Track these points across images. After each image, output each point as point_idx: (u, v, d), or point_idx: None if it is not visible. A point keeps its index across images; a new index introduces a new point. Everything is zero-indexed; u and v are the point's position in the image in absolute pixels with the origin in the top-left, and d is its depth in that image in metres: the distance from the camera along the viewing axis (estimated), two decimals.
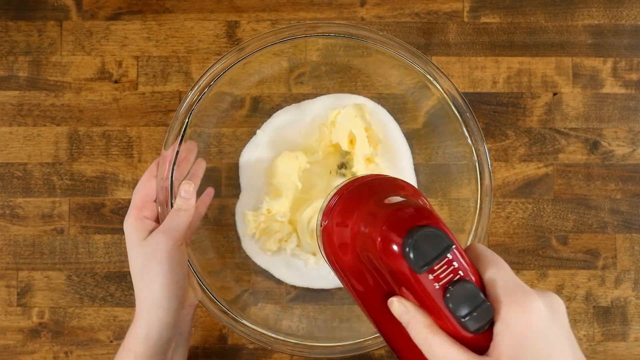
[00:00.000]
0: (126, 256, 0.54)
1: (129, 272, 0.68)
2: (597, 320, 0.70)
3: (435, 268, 0.36)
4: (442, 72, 0.58)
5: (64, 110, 0.71)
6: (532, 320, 0.35)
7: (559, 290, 0.70)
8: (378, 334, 0.56)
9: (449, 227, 0.38)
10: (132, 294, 0.69)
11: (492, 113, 0.71)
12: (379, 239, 0.37)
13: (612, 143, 0.71)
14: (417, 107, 0.65)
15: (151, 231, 0.53)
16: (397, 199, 0.41)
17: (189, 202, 0.54)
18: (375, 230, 0.38)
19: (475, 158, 0.59)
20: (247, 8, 0.71)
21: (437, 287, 0.36)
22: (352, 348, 0.57)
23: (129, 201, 0.57)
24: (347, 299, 0.65)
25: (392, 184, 0.44)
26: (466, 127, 0.58)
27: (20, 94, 0.71)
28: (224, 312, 0.57)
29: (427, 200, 0.43)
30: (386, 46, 0.58)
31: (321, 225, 0.44)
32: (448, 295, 0.36)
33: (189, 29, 0.71)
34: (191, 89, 0.57)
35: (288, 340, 0.57)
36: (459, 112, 0.58)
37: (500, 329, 0.36)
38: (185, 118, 0.57)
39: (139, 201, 0.56)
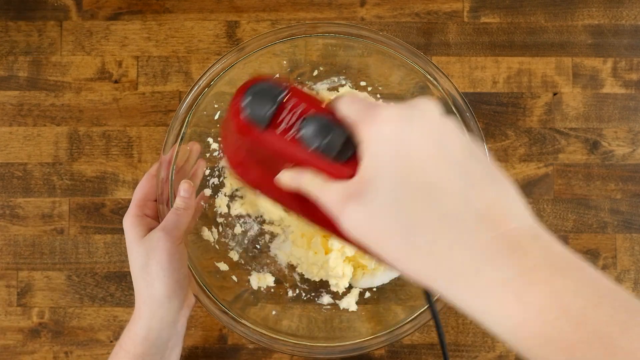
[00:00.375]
0: (126, 256, 0.55)
1: (129, 272, 0.68)
2: None
3: (280, 120, 0.36)
4: (442, 72, 0.58)
5: (64, 110, 0.71)
6: (385, 131, 0.32)
7: None
8: (378, 334, 0.56)
9: None
10: (132, 294, 0.68)
11: (492, 113, 0.71)
12: (230, 116, 0.37)
13: (612, 143, 0.71)
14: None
15: (151, 229, 0.54)
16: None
17: (188, 201, 0.54)
18: (228, 112, 0.38)
19: None
20: (247, 8, 0.71)
21: (292, 135, 0.35)
22: (352, 348, 0.57)
23: (129, 201, 0.57)
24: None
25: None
26: (466, 127, 0.58)
27: (20, 94, 0.71)
28: (224, 312, 0.57)
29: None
30: (386, 46, 0.58)
31: (220, 144, 0.44)
32: (300, 134, 0.35)
33: (189, 29, 0.71)
34: (191, 89, 0.57)
35: (288, 340, 0.57)
36: (458, 112, 0.58)
37: (362, 151, 0.34)
38: (185, 118, 0.57)
39: (140, 199, 0.56)
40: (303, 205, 0.38)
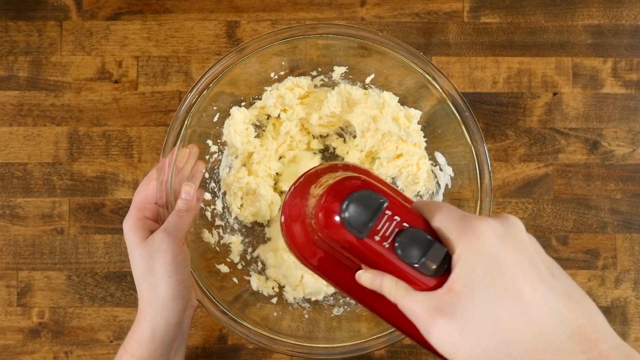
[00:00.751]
0: (126, 256, 0.55)
1: (129, 272, 0.68)
2: None
3: (378, 228, 0.36)
4: (441, 73, 0.58)
5: (64, 110, 0.71)
6: (480, 245, 0.33)
7: None
8: (378, 335, 0.56)
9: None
10: (132, 294, 0.69)
11: (492, 113, 0.71)
12: (320, 216, 0.37)
13: (612, 143, 0.71)
14: (416, 107, 0.65)
15: (152, 231, 0.54)
16: (337, 176, 0.41)
17: (189, 203, 0.55)
18: (316, 209, 0.38)
19: (475, 158, 0.59)
20: (247, 8, 0.71)
21: (387, 245, 0.36)
22: (352, 349, 0.56)
23: (129, 201, 0.57)
24: (347, 298, 0.65)
25: (336, 168, 0.45)
26: (466, 127, 0.58)
27: (20, 94, 0.71)
28: (224, 313, 0.57)
29: (374, 177, 0.43)
30: (386, 47, 0.58)
31: (280, 222, 0.45)
32: (397, 246, 0.36)
33: (189, 29, 0.71)
34: (191, 89, 0.57)
35: (288, 341, 0.57)
36: (458, 112, 0.58)
37: (454, 263, 0.34)
38: (185, 118, 0.57)
39: (140, 202, 0.56)
40: (372, 299, 0.40)
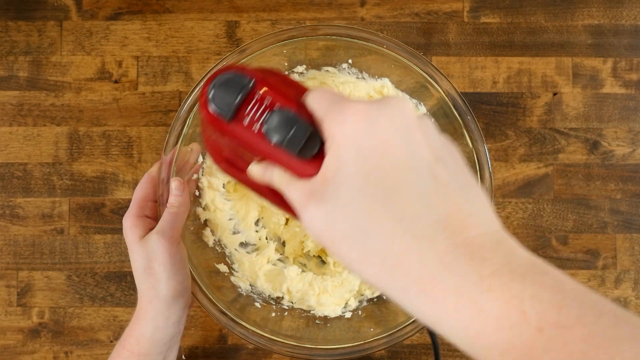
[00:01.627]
0: (126, 256, 0.55)
1: (129, 272, 0.69)
2: None
3: (247, 112, 0.34)
4: (441, 73, 0.58)
5: (64, 110, 0.71)
6: (347, 129, 0.31)
7: None
8: (378, 336, 0.56)
9: None
10: (132, 294, 0.69)
11: (492, 113, 0.71)
12: (199, 107, 0.36)
13: (612, 143, 0.71)
14: (416, 107, 0.65)
15: (151, 230, 0.53)
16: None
17: (181, 198, 0.54)
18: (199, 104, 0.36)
19: (475, 158, 0.58)
20: (247, 8, 0.71)
21: (257, 128, 0.34)
22: (352, 350, 0.56)
23: (129, 201, 0.57)
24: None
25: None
26: (466, 127, 0.58)
27: (20, 94, 0.71)
28: (223, 313, 0.57)
29: (281, 76, 0.40)
30: (385, 48, 0.58)
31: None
32: (264, 128, 0.34)
33: (189, 29, 0.71)
34: (192, 90, 0.57)
35: (287, 342, 0.57)
36: (458, 112, 0.58)
37: (326, 148, 0.32)
38: (186, 119, 0.57)
39: (140, 200, 0.56)
40: (279, 198, 0.38)
